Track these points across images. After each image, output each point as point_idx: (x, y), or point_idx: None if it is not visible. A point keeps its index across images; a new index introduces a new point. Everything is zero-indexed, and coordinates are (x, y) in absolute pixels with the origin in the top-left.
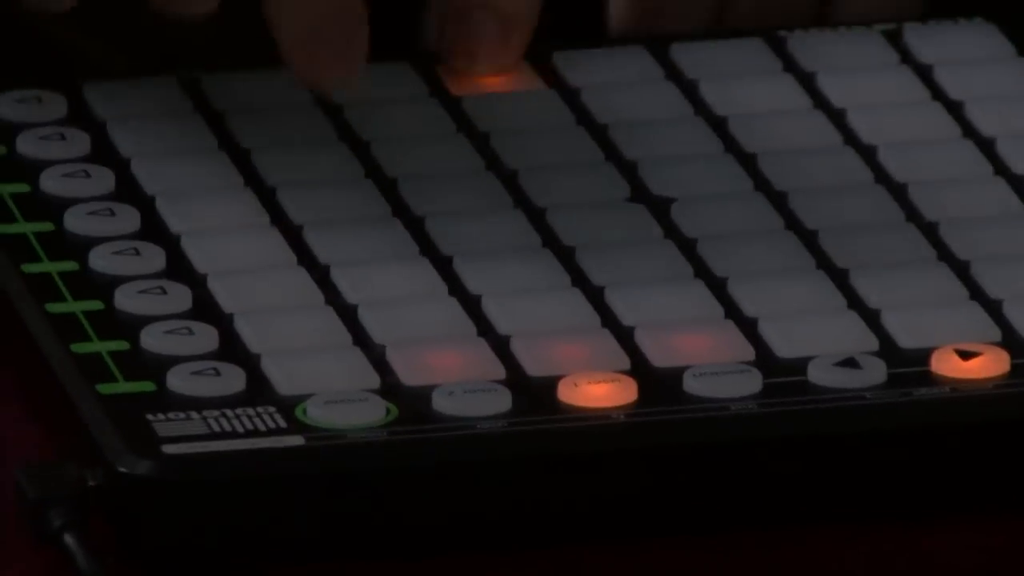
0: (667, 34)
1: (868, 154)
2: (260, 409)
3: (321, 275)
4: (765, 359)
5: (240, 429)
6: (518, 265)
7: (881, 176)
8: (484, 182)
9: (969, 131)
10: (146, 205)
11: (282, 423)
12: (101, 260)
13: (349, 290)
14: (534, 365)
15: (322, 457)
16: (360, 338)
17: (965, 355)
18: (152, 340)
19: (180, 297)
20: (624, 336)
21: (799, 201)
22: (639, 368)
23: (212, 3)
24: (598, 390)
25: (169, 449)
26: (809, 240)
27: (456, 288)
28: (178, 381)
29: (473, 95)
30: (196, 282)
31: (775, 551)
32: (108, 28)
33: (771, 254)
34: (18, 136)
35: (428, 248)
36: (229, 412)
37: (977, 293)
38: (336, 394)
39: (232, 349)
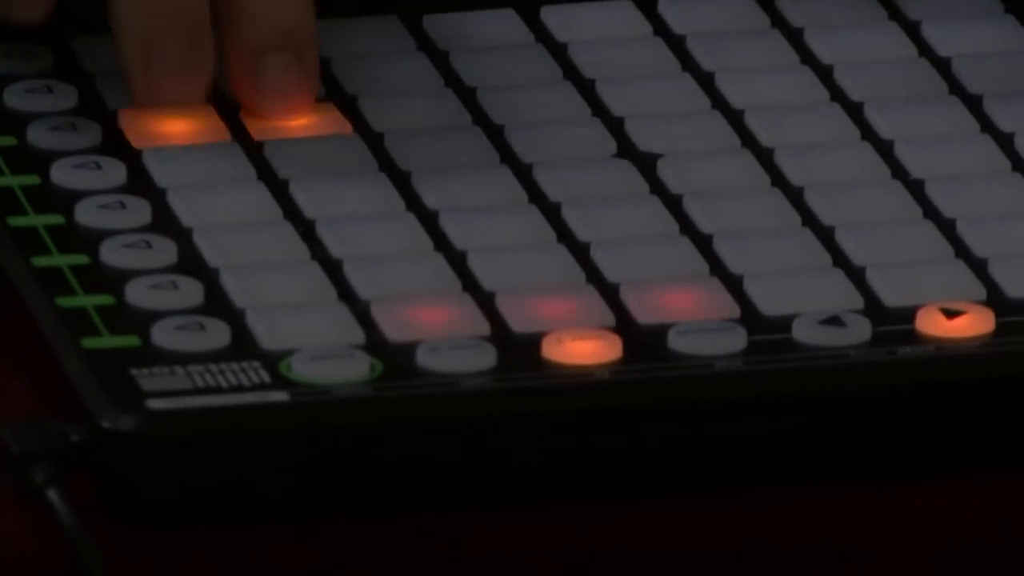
0: None
1: (854, 111)
2: (245, 364)
3: (307, 230)
4: (750, 316)
5: (224, 384)
6: (504, 221)
7: (867, 133)
8: (471, 138)
9: (956, 88)
10: (134, 160)
11: (266, 378)
12: (87, 214)
13: (334, 245)
14: (519, 321)
15: (306, 413)
16: (345, 293)
17: (950, 313)
18: (137, 294)
19: (165, 251)
20: (609, 293)
21: (785, 158)
22: (624, 325)
23: (43, 11)
24: (583, 347)
25: (153, 404)
26: (795, 197)
27: (442, 244)
28: (163, 335)
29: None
30: (182, 236)
31: (758, 510)
32: None
33: (757, 211)
34: (5, 89)
35: (414, 204)
36: (213, 367)
37: (963, 251)
38: (321, 349)
39: (217, 304)
